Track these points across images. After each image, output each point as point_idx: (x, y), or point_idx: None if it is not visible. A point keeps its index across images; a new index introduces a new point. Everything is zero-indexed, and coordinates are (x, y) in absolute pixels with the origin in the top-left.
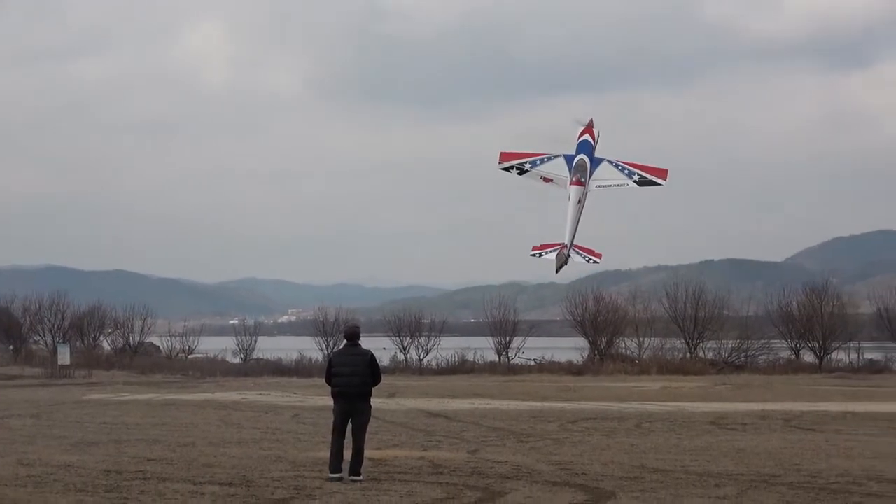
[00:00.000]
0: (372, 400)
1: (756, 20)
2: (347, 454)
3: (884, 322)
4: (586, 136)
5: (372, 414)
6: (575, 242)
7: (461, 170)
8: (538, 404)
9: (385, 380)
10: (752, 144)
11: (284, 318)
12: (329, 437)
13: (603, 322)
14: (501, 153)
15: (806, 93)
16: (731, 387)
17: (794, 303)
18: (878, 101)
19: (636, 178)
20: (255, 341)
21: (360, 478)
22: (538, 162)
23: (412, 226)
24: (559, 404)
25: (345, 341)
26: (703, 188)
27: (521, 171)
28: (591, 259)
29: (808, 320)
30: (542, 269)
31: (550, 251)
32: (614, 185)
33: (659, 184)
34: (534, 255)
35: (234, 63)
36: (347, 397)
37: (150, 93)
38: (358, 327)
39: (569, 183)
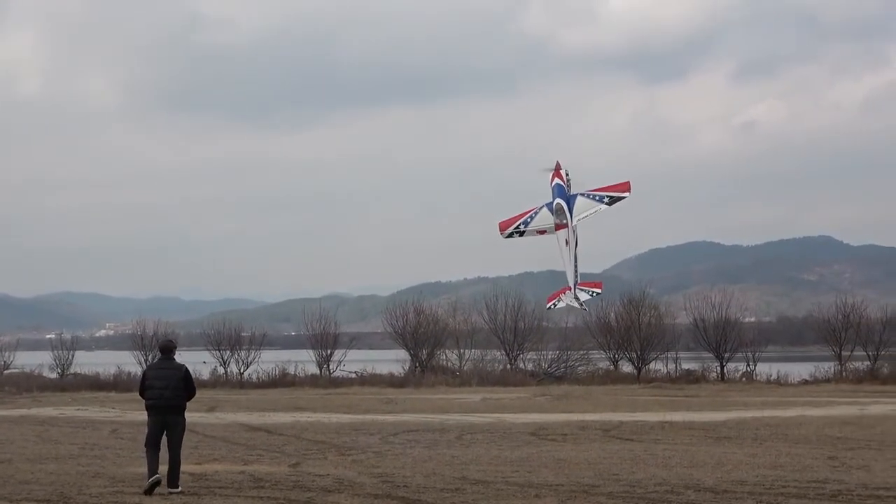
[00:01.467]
0: (188, 414)
1: (571, 32)
2: (164, 468)
3: (699, 332)
4: (557, 181)
5: (188, 427)
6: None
7: (282, 179)
8: (360, 417)
9: (205, 394)
10: (570, 156)
11: (102, 332)
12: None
13: (423, 334)
14: (500, 223)
15: (622, 104)
16: (551, 398)
17: (613, 313)
18: (692, 114)
19: (606, 200)
20: (73, 356)
21: (179, 489)
22: (529, 220)
23: (230, 236)
24: (381, 417)
25: (160, 355)
26: (519, 196)
27: (521, 234)
28: (594, 292)
29: (626, 331)
30: (363, 281)
31: (560, 300)
32: (590, 214)
33: (625, 197)
34: (550, 307)
35: (48, 72)
36: (161, 410)
37: None
38: (172, 341)
39: (555, 228)
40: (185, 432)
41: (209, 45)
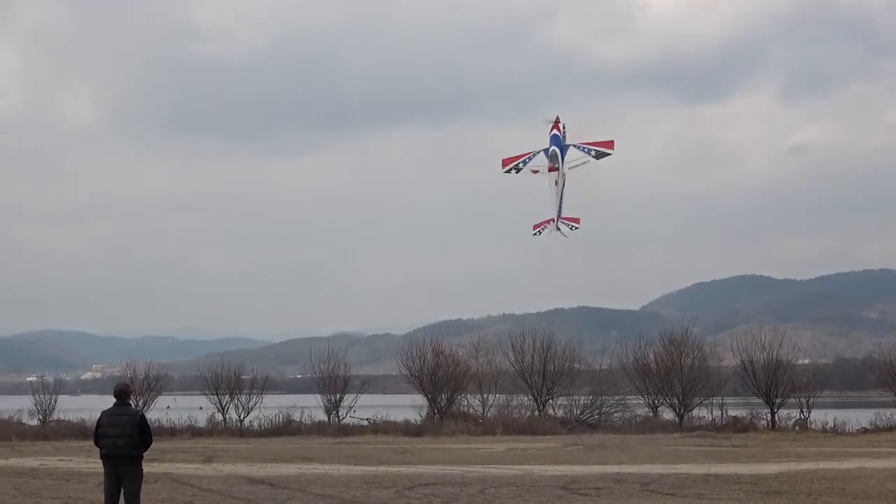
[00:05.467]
0: (144, 464)
1: (603, 46)
2: None
3: (748, 375)
4: (555, 131)
5: (182, 481)
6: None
7: (282, 209)
8: (372, 468)
9: (202, 442)
10: (601, 179)
11: (88, 375)
12: None
13: (443, 377)
14: (503, 160)
15: (660, 126)
16: (583, 447)
17: (652, 354)
18: (736, 133)
19: (593, 153)
20: (56, 400)
21: None
22: (527, 160)
23: (228, 271)
24: (395, 468)
25: (114, 400)
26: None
27: (518, 171)
28: (572, 226)
29: (666, 374)
30: (375, 319)
31: (547, 228)
32: (580, 164)
33: (610, 154)
34: (535, 234)
35: (25, 88)
36: (113, 460)
37: None
38: (128, 385)
39: (548, 170)
40: (145, 483)
41: (203, 59)
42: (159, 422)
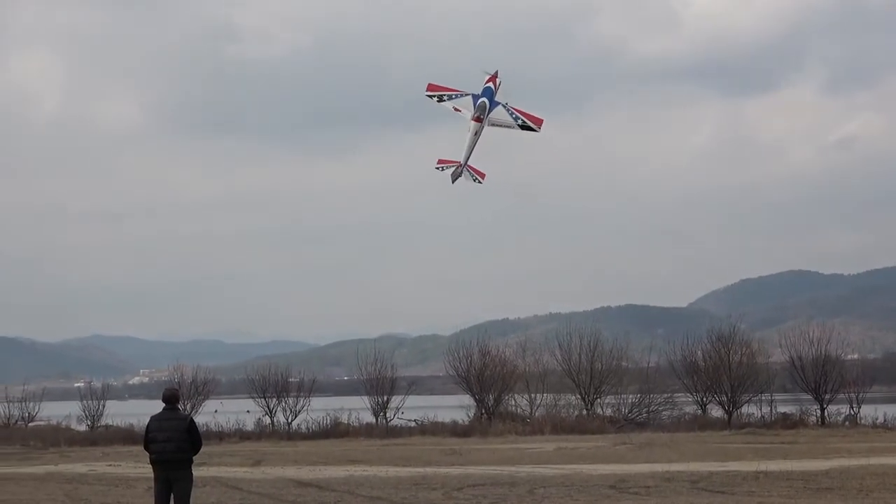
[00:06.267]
0: (194, 468)
1: (644, 41)
2: None
3: (796, 371)
4: (490, 84)
5: (229, 484)
6: (470, 163)
7: (325, 209)
8: (420, 470)
9: (250, 446)
10: (645, 178)
11: (136, 380)
12: None
13: (490, 377)
14: (429, 84)
15: (702, 120)
16: (632, 446)
17: (699, 352)
18: (781, 127)
19: (520, 122)
20: (104, 406)
21: None
22: (454, 96)
23: (274, 272)
24: (444, 469)
25: (163, 405)
26: (595, 228)
27: (440, 100)
28: (476, 178)
29: (714, 371)
30: (422, 321)
31: (449, 167)
32: (503, 126)
33: (535, 130)
34: (438, 168)
35: (65, 92)
36: (164, 465)
37: None
38: (176, 390)
39: (471, 118)
40: (195, 487)
41: (243, 61)
42: (207, 426)
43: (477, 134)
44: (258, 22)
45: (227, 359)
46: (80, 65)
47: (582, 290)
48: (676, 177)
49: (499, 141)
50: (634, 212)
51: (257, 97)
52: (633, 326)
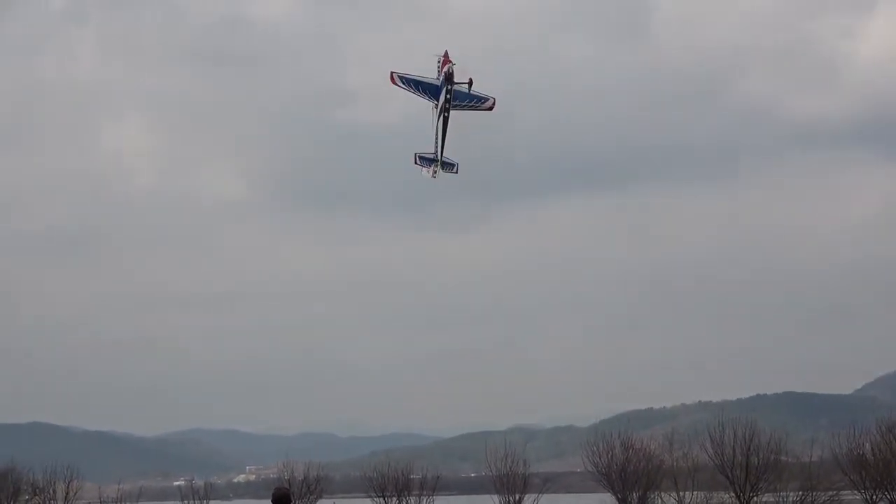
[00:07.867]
0: None
1: (801, 101)
2: None
3: None
4: (447, 67)
5: None
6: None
7: (444, 289)
8: None
9: None
10: (806, 251)
11: (241, 477)
12: None
13: (633, 473)
14: (392, 72)
15: (867, 185)
16: None
17: (868, 444)
18: None
19: (473, 101)
20: None
21: None
22: (421, 87)
23: (390, 358)
24: None
25: None
26: (748, 306)
27: (404, 86)
28: (455, 166)
29: (885, 465)
30: (556, 411)
31: (425, 163)
32: (464, 105)
33: (488, 110)
34: (418, 165)
35: (163, 163)
36: None
37: (55, 200)
38: (287, 489)
39: (434, 106)
40: None
41: (351, 124)
42: None
43: (444, 122)
44: (370, 82)
45: (341, 454)
46: (176, 132)
47: (735, 375)
48: (836, 246)
49: (645, 223)
50: (792, 288)
51: (372, 166)
52: (792, 416)
